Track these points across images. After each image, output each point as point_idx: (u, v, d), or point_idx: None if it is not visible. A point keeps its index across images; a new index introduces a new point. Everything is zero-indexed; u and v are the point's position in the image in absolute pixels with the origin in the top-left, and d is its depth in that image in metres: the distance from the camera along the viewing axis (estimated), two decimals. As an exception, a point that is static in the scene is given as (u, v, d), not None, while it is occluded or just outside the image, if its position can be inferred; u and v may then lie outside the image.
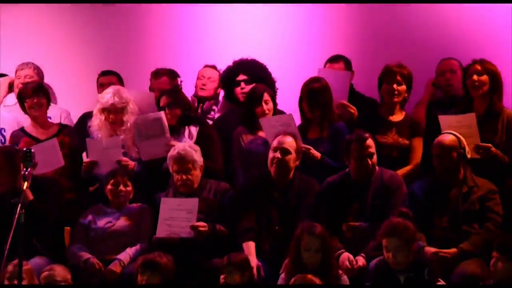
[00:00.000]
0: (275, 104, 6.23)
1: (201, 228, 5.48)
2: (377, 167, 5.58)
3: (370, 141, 5.50)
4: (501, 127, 5.71)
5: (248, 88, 6.40)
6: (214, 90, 6.88)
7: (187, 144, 5.79)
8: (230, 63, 6.64)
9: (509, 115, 5.74)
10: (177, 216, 5.52)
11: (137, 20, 7.52)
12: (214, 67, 6.95)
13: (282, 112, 6.23)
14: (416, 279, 4.87)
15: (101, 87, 6.72)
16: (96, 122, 6.13)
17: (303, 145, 5.77)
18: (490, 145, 5.54)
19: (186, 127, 6.14)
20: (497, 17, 6.88)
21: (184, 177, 5.66)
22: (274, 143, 5.62)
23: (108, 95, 6.09)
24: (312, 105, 5.96)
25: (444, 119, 5.67)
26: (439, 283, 4.88)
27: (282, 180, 5.62)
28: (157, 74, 6.75)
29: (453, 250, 5.21)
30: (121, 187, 5.82)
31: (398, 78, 5.91)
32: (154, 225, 5.64)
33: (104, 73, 6.93)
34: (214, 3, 7.35)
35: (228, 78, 6.59)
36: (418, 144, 5.86)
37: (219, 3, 7.35)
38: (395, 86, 5.92)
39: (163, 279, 5.22)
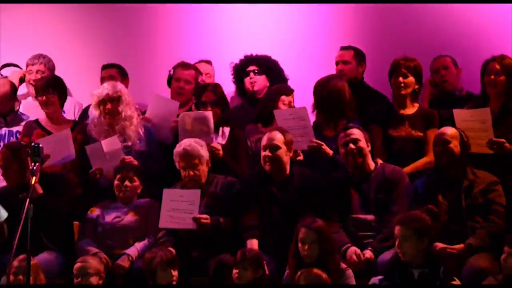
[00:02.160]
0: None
1: (203, 221, 5.49)
2: (379, 162, 5.59)
3: (353, 135, 5.52)
4: None
5: (257, 78, 6.45)
6: None
7: (192, 140, 5.77)
8: (233, 61, 6.69)
9: None
10: (179, 207, 5.54)
11: (145, 19, 7.52)
12: (209, 62, 6.98)
13: None
14: (430, 276, 4.86)
15: (102, 80, 6.74)
16: (92, 117, 6.16)
17: (315, 141, 5.78)
18: (504, 140, 5.54)
19: (220, 127, 6.13)
20: (494, 15, 6.92)
21: (191, 173, 5.66)
22: (263, 142, 5.63)
23: (102, 88, 6.13)
24: (322, 105, 5.98)
25: (458, 113, 5.67)
26: (454, 283, 4.87)
27: (279, 176, 5.63)
28: (185, 65, 6.67)
29: (460, 246, 5.21)
30: (127, 183, 5.82)
31: (404, 70, 5.91)
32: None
33: (105, 67, 6.93)
34: (220, 2, 7.36)
35: (239, 69, 6.60)
36: (433, 136, 5.76)
37: (226, 3, 7.35)
38: (400, 79, 5.92)
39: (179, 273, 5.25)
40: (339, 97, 5.97)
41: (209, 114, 5.98)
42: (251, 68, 6.52)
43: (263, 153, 5.61)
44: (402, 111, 5.97)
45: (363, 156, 5.54)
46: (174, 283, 5.22)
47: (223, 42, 7.29)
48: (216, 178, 5.76)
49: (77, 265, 5.37)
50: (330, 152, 5.82)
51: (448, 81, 6.55)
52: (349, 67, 6.60)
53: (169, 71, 6.65)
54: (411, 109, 5.98)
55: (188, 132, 5.95)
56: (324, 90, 5.97)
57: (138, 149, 6.11)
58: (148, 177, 5.94)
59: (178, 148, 5.72)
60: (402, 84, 5.93)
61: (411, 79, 5.94)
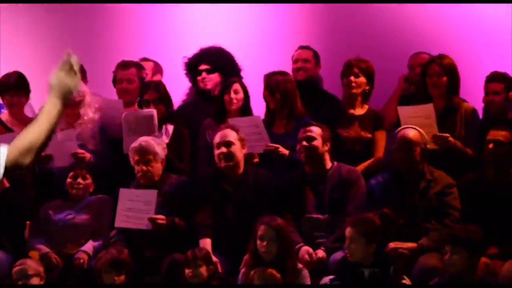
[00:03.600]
0: (247, 96, 6.19)
1: (159, 221, 5.48)
2: (335, 162, 5.63)
3: (310, 133, 5.55)
4: (459, 121, 5.78)
5: (209, 77, 6.40)
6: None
7: (150, 137, 5.76)
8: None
9: (467, 109, 5.82)
10: (135, 207, 5.51)
11: (98, 19, 7.54)
12: (148, 60, 6.96)
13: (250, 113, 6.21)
14: (380, 275, 4.89)
15: None
16: None
17: (271, 144, 5.80)
18: (448, 135, 5.61)
19: (164, 125, 6.11)
20: (464, 14, 7.04)
21: (144, 168, 5.64)
22: (217, 139, 5.63)
23: None
24: (272, 96, 5.98)
25: (402, 110, 5.72)
26: (404, 282, 4.91)
27: (233, 174, 5.63)
28: (125, 65, 6.62)
29: (413, 245, 5.26)
30: (80, 180, 5.78)
31: (356, 70, 5.95)
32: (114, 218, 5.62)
33: None
34: (181, 3, 7.36)
35: (191, 67, 6.57)
36: (380, 137, 5.90)
37: (186, 3, 7.37)
38: (352, 78, 5.96)
39: (127, 275, 5.23)
40: (295, 93, 6.00)
41: (153, 112, 5.96)
42: (203, 67, 6.47)
43: (217, 151, 5.61)
44: (351, 111, 6.02)
45: (316, 154, 5.57)
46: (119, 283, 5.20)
47: (180, 41, 7.29)
48: (170, 177, 5.75)
49: (16, 268, 5.30)
50: (286, 152, 5.84)
51: None
52: (308, 65, 6.62)
53: (113, 72, 6.62)
54: (360, 110, 6.03)
55: (132, 131, 5.93)
56: (283, 85, 5.98)
57: (92, 147, 6.07)
58: (100, 176, 5.91)
59: (135, 143, 5.70)
60: (354, 84, 5.97)
61: (362, 79, 5.98)
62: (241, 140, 5.63)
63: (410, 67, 6.60)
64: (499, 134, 5.42)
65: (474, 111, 5.87)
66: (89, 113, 6.06)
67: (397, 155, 5.48)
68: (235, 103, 6.04)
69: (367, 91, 6.03)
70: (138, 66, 6.62)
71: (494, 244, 5.08)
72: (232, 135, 5.61)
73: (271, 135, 5.91)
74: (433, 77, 5.82)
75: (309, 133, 5.56)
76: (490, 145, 5.40)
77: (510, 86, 5.90)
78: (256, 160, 5.87)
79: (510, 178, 5.41)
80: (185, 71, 6.63)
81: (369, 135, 5.94)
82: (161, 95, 6.09)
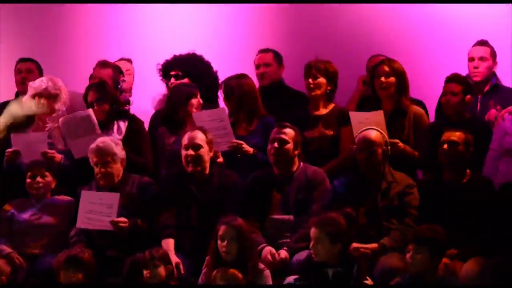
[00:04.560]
0: (214, 100, 6.25)
1: (121, 224, 5.47)
2: (301, 163, 5.64)
3: (282, 135, 5.56)
4: (407, 124, 5.84)
5: (177, 83, 6.39)
6: (131, 83, 6.89)
7: (108, 138, 5.74)
8: (155, 61, 6.67)
9: (416, 112, 5.88)
10: (97, 210, 5.50)
11: (65, 18, 7.53)
12: (129, 60, 6.96)
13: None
14: (344, 275, 4.92)
15: (19, 73, 6.73)
16: (26, 109, 6.06)
17: (235, 141, 5.81)
18: (397, 140, 5.66)
19: (115, 122, 6.08)
20: (419, 15, 7.08)
21: (103, 169, 5.61)
22: (185, 141, 5.62)
23: (42, 81, 6.05)
24: (228, 99, 6.02)
25: (354, 116, 5.76)
26: (367, 282, 4.94)
27: (199, 175, 5.62)
28: (104, 64, 6.65)
29: (374, 245, 5.29)
30: (39, 179, 5.75)
31: (313, 71, 5.98)
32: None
33: (23, 60, 6.85)
34: (143, 3, 7.37)
35: (163, 72, 6.58)
36: (346, 134, 5.91)
37: (148, 3, 7.37)
38: (310, 80, 5.99)
39: (86, 274, 5.21)
40: (254, 95, 6.02)
41: (89, 111, 5.94)
42: (173, 72, 6.48)
43: (184, 152, 5.60)
44: (316, 112, 6.04)
45: (286, 158, 5.58)
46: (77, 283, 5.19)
47: (144, 41, 7.32)
48: (132, 178, 5.73)
49: None
50: (250, 150, 5.85)
51: None
52: (271, 69, 6.65)
53: (93, 68, 6.64)
54: (324, 110, 6.05)
55: (73, 135, 5.90)
56: (238, 89, 6.00)
57: (62, 148, 6.05)
58: (69, 177, 5.91)
59: (93, 145, 5.68)
60: (312, 85, 5.99)
61: (321, 80, 6.00)
62: (209, 142, 5.63)
63: (368, 69, 6.63)
64: (454, 135, 5.46)
65: (422, 113, 5.93)
66: (63, 109, 6.05)
67: (359, 156, 5.51)
68: (197, 110, 6.05)
69: (329, 91, 6.05)
70: (117, 68, 6.63)
71: (453, 245, 5.11)
72: (200, 137, 5.60)
73: (234, 136, 5.90)
74: (381, 77, 5.86)
75: (282, 135, 5.57)
76: (445, 146, 5.45)
77: (468, 89, 5.94)
78: (220, 160, 5.87)
79: (465, 178, 5.47)
80: (160, 77, 6.64)
81: (333, 133, 5.95)
82: (103, 95, 6.06)
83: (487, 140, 5.82)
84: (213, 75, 6.54)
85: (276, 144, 5.56)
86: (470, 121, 5.92)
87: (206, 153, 5.60)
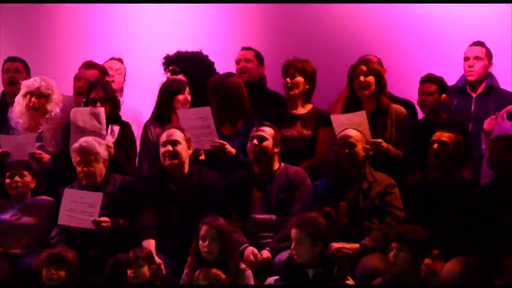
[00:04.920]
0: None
1: (103, 224, 5.46)
2: (282, 163, 5.66)
3: (262, 133, 5.58)
4: (390, 123, 5.86)
5: (171, 78, 6.41)
6: (122, 82, 6.87)
7: (91, 138, 5.73)
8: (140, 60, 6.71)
9: (397, 110, 5.91)
10: (79, 208, 5.49)
11: (52, 19, 7.51)
12: (120, 60, 6.94)
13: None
14: (324, 275, 4.92)
15: (6, 72, 6.72)
16: (18, 108, 6.06)
17: (218, 141, 5.81)
18: (381, 140, 5.68)
19: (110, 125, 6.07)
20: (397, 16, 7.11)
21: (85, 169, 5.61)
22: (163, 138, 5.62)
23: (35, 80, 6.05)
24: (213, 99, 6.01)
25: (335, 118, 5.77)
26: (348, 282, 4.95)
27: (178, 174, 5.62)
28: (89, 65, 6.64)
29: (356, 245, 5.30)
30: (17, 178, 5.73)
31: (291, 71, 5.99)
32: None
33: (10, 59, 6.83)
34: (127, 3, 7.37)
35: (165, 66, 6.57)
36: (324, 135, 5.93)
37: (132, 3, 7.37)
38: (288, 79, 6.00)
39: (68, 273, 5.20)
40: (239, 95, 6.02)
41: (101, 110, 5.93)
42: (171, 67, 6.50)
43: (162, 149, 5.59)
44: (294, 111, 6.05)
45: (265, 155, 5.58)
46: (59, 282, 5.17)
47: (131, 41, 7.32)
48: (114, 178, 5.72)
49: None
50: (233, 151, 5.85)
51: None
52: (251, 65, 6.67)
53: (79, 68, 6.63)
54: (303, 109, 6.06)
55: (80, 129, 5.89)
56: (223, 88, 6.00)
57: (52, 150, 6.05)
58: (56, 178, 5.90)
59: (76, 144, 5.66)
60: (289, 85, 6.00)
61: (299, 79, 6.01)
62: (187, 140, 5.62)
63: None
64: (444, 135, 5.49)
65: (404, 112, 5.94)
66: (56, 110, 6.06)
67: (340, 153, 5.54)
68: (184, 105, 6.06)
69: (306, 90, 6.05)
70: (102, 70, 6.62)
71: (435, 245, 5.13)
72: (178, 135, 5.60)
73: (219, 135, 5.91)
74: (359, 77, 5.87)
75: (261, 133, 5.59)
76: (435, 146, 5.47)
77: (443, 88, 5.97)
78: (202, 157, 5.86)
79: (450, 178, 5.49)
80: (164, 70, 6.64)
81: (312, 133, 5.96)
82: (108, 95, 6.07)
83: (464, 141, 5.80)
84: (208, 73, 6.49)
85: (255, 141, 5.57)
86: (446, 121, 5.95)
87: (184, 150, 5.60)
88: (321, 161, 5.90)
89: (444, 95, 5.98)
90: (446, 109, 6.14)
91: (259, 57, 6.73)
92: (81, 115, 5.94)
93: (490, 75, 6.43)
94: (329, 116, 5.91)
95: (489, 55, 6.41)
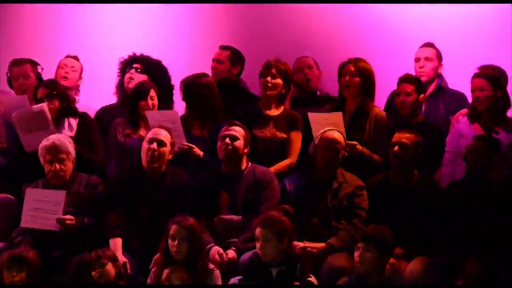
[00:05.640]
0: (169, 101, 6.26)
1: (68, 222, 5.42)
2: (249, 163, 5.67)
3: (233, 132, 5.58)
4: (368, 125, 5.91)
5: (136, 76, 6.40)
6: (77, 80, 6.83)
7: (61, 136, 5.70)
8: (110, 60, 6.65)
9: (377, 114, 5.95)
10: (43, 207, 5.44)
11: (11, 19, 7.45)
12: (76, 57, 6.89)
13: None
14: (288, 274, 4.95)
15: (16, 80, 6.55)
16: None
17: (186, 144, 5.82)
18: (356, 142, 5.72)
19: (66, 119, 6.03)
20: (363, 15, 7.17)
21: (57, 166, 5.56)
22: (149, 135, 5.60)
23: None
24: (186, 99, 6.02)
25: (313, 116, 5.80)
26: (310, 279, 4.98)
27: (155, 173, 5.61)
28: (18, 62, 6.57)
29: (321, 245, 5.35)
30: None
31: (273, 71, 6.01)
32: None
33: (16, 63, 6.69)
34: (95, 3, 7.34)
35: (124, 64, 6.55)
36: (296, 138, 5.96)
37: (100, 3, 7.35)
38: (269, 79, 6.02)
39: (29, 274, 5.15)
40: (211, 96, 6.03)
41: (43, 106, 5.88)
42: (135, 65, 6.48)
43: (147, 146, 5.57)
44: (267, 112, 6.08)
45: (236, 155, 5.59)
46: (20, 283, 5.12)
47: (97, 42, 7.32)
48: (80, 177, 5.68)
49: None
50: (201, 153, 5.86)
51: (312, 80, 6.71)
52: (222, 66, 6.68)
53: (6, 73, 6.57)
54: (276, 111, 6.08)
55: (26, 130, 5.84)
56: (195, 88, 6.01)
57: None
58: (6, 175, 5.85)
59: (46, 142, 5.61)
60: (270, 84, 6.02)
61: (279, 81, 6.04)
62: (172, 144, 5.64)
63: (297, 70, 6.69)
64: (404, 137, 5.53)
65: (384, 116, 5.99)
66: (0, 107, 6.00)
67: (320, 155, 5.56)
68: (150, 110, 6.04)
69: (283, 93, 6.09)
70: (32, 62, 6.57)
71: (400, 244, 5.19)
72: (165, 135, 5.60)
73: (189, 136, 5.92)
74: (345, 76, 5.92)
75: (233, 132, 5.59)
76: (395, 148, 5.52)
77: (421, 88, 6.04)
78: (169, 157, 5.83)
79: (413, 180, 5.55)
80: (119, 70, 6.60)
81: (284, 135, 5.99)
82: (53, 91, 6.03)
83: (439, 141, 5.90)
84: (167, 76, 6.52)
85: (227, 140, 5.57)
86: (424, 122, 6.01)
87: (167, 152, 5.60)
88: (293, 163, 5.91)
89: (422, 95, 6.04)
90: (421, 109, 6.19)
91: (234, 57, 6.74)
92: (23, 115, 5.87)
93: (440, 75, 6.52)
94: (301, 119, 5.97)
95: (439, 56, 6.50)
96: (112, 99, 6.67)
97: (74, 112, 6.10)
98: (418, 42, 6.56)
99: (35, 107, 5.92)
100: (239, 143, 5.59)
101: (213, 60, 6.72)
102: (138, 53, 6.57)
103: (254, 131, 5.93)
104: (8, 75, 6.56)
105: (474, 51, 6.78)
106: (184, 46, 7.27)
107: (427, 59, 6.46)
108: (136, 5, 7.35)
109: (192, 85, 6.03)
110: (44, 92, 6.00)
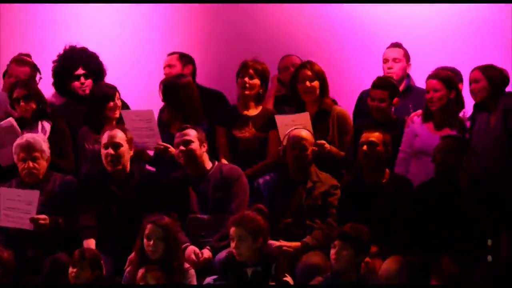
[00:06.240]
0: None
1: (41, 221, 5.40)
2: (216, 162, 5.69)
3: (186, 137, 5.57)
4: (331, 124, 5.93)
5: (88, 82, 6.31)
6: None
7: (35, 134, 5.68)
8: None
9: (339, 112, 5.98)
10: (16, 207, 5.41)
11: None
12: (28, 55, 6.76)
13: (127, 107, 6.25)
14: (263, 274, 4.96)
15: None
16: None
17: (161, 143, 5.80)
18: (324, 142, 5.74)
19: (40, 122, 5.98)
20: (335, 15, 7.19)
21: (31, 165, 5.54)
22: (104, 140, 5.58)
23: None
24: (165, 100, 6.00)
25: (279, 119, 5.82)
26: (285, 279, 4.99)
27: (119, 174, 5.60)
28: (20, 61, 6.48)
29: (296, 243, 5.37)
30: None
31: (251, 71, 6.01)
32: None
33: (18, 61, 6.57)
34: (64, 3, 7.30)
35: (65, 71, 6.39)
36: (274, 137, 5.93)
37: (70, 3, 7.31)
38: (246, 79, 6.02)
39: (3, 274, 5.11)
40: (190, 97, 6.01)
41: (10, 121, 5.82)
42: (80, 72, 6.35)
43: (104, 151, 5.56)
44: (246, 112, 6.08)
45: (194, 157, 5.58)
46: None
47: (56, 41, 7.09)
48: (54, 176, 5.65)
49: None
50: (175, 152, 5.81)
51: None
52: (174, 70, 6.63)
53: (7, 65, 6.47)
54: (254, 111, 6.08)
55: None
56: (174, 89, 5.99)
57: None
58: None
59: (20, 140, 5.59)
60: (247, 85, 6.02)
61: (256, 81, 6.04)
62: (129, 141, 5.60)
63: (282, 69, 6.71)
64: (372, 136, 5.56)
65: (345, 113, 6.03)
66: None
67: (289, 155, 5.58)
68: (117, 112, 6.00)
69: (260, 93, 6.10)
70: (34, 66, 6.46)
71: (373, 243, 5.20)
72: (120, 136, 5.57)
73: (168, 135, 5.89)
74: (305, 82, 5.94)
75: (185, 137, 5.58)
76: (364, 147, 5.55)
77: (395, 92, 6.05)
78: (146, 158, 5.88)
79: (384, 178, 5.58)
80: (56, 75, 6.45)
81: (263, 135, 6.00)
82: (31, 92, 5.97)
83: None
84: (104, 69, 6.45)
85: (182, 147, 5.57)
86: (396, 122, 6.03)
87: (126, 152, 5.58)
88: (273, 163, 5.90)
89: (396, 99, 6.07)
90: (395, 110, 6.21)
91: (183, 58, 6.72)
92: None
93: (408, 75, 6.55)
94: None
95: (406, 56, 6.52)
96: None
97: (48, 116, 6.05)
98: (388, 41, 6.58)
99: (3, 123, 5.86)
100: (194, 146, 5.58)
101: (164, 68, 6.70)
102: (71, 55, 6.41)
103: (234, 131, 5.96)
104: (6, 68, 6.47)
105: (442, 49, 6.85)
106: (156, 47, 7.24)
107: (395, 60, 6.46)
108: (109, 5, 7.32)
109: (172, 85, 6.02)
110: (21, 93, 5.95)
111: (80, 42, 6.52)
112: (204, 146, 5.62)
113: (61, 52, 6.46)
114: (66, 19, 7.33)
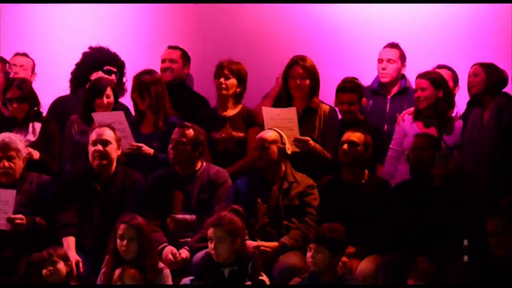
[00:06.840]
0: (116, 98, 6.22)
1: (18, 221, 5.38)
2: (204, 163, 5.67)
3: (182, 134, 5.58)
4: (318, 122, 5.94)
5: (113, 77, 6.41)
6: (28, 77, 6.71)
7: (12, 134, 5.67)
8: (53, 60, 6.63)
9: (325, 110, 5.98)
10: None
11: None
12: (25, 54, 6.83)
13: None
14: (240, 273, 4.96)
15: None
16: None
17: (134, 144, 5.80)
18: (308, 138, 5.75)
19: (31, 123, 5.99)
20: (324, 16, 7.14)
21: (6, 164, 5.53)
22: (93, 136, 5.57)
23: None
24: (143, 97, 5.98)
25: (266, 111, 5.83)
26: (261, 278, 4.99)
27: (104, 173, 5.59)
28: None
29: (274, 243, 5.38)
30: None
31: (226, 72, 6.02)
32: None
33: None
34: (40, 3, 7.29)
35: (92, 61, 6.49)
36: (253, 135, 5.89)
37: (47, 3, 7.30)
38: (222, 80, 6.03)
39: None
40: (159, 93, 5.99)
41: None
42: (108, 67, 6.47)
43: (92, 148, 5.55)
44: (224, 113, 6.08)
45: (184, 157, 5.58)
46: None
47: (50, 40, 7.25)
48: (31, 176, 5.64)
49: None
50: (151, 151, 5.84)
51: None
52: (176, 65, 6.66)
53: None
54: (232, 111, 6.08)
55: None
56: (143, 85, 5.97)
57: None
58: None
59: None
60: (224, 85, 6.03)
61: (233, 81, 6.05)
62: (118, 140, 5.60)
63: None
64: (353, 135, 5.58)
65: (332, 112, 6.04)
66: None
67: (255, 154, 5.61)
68: (107, 107, 6.01)
69: (238, 93, 6.09)
70: (2, 60, 6.49)
71: (351, 243, 5.22)
72: (109, 134, 5.57)
73: (138, 135, 5.91)
74: (296, 79, 5.95)
75: (181, 138, 5.55)
76: (345, 146, 5.57)
77: (362, 94, 6.06)
78: (122, 159, 5.82)
79: (363, 179, 5.60)
80: (82, 63, 6.53)
81: (242, 134, 6.01)
82: (25, 93, 5.98)
83: (378, 141, 5.88)
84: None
85: (175, 145, 5.56)
86: (363, 122, 6.03)
87: (113, 150, 5.58)
88: (252, 161, 5.86)
89: (363, 100, 6.08)
90: (362, 110, 6.23)
91: (185, 57, 6.73)
92: None
93: (403, 76, 6.56)
94: (257, 116, 5.97)
95: (402, 57, 6.54)
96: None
97: (39, 117, 6.06)
98: (385, 41, 6.58)
99: None
100: (188, 147, 5.57)
101: (165, 60, 6.67)
102: (99, 53, 6.52)
103: (212, 133, 5.96)
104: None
105: (439, 50, 6.81)
106: (139, 46, 7.22)
107: (389, 61, 6.48)
108: (93, 5, 7.31)
109: (143, 81, 5.99)
110: (15, 94, 5.96)
111: (80, 42, 6.55)
112: (198, 150, 5.60)
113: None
114: (66, 19, 7.33)
